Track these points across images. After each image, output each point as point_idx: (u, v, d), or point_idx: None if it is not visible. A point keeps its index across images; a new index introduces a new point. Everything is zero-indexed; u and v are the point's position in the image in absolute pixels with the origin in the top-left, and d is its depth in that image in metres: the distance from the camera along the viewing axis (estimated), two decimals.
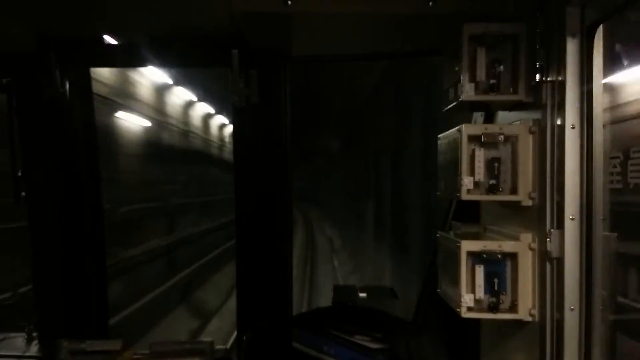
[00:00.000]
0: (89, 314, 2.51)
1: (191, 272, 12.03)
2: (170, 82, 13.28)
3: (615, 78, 1.64)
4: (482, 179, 1.72)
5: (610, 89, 1.60)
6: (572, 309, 1.57)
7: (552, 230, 1.61)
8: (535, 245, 1.70)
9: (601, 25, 1.55)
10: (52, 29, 2.25)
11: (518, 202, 1.73)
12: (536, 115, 1.70)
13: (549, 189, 1.62)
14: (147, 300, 9.08)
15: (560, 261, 1.60)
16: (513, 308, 1.74)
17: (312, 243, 20.64)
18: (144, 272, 9.82)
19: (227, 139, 19.57)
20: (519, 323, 1.76)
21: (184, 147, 15.17)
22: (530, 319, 1.72)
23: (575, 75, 1.56)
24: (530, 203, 1.71)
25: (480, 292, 1.73)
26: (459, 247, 1.73)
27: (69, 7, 2.03)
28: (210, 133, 18.75)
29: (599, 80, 1.57)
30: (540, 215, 1.67)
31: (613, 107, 1.59)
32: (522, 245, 1.72)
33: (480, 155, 1.71)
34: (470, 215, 2.18)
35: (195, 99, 15.36)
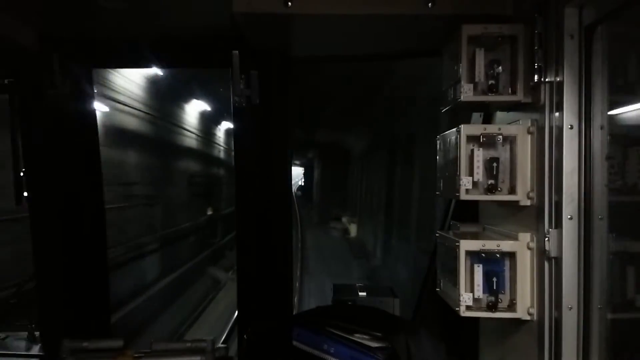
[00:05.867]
0: (90, 312, 2.52)
1: None
2: None
3: None
4: (480, 179, 1.73)
5: None
6: (570, 308, 1.58)
7: (550, 229, 1.62)
8: (533, 245, 1.71)
9: (599, 26, 1.56)
10: (54, 30, 2.26)
11: (516, 202, 1.75)
12: (534, 115, 1.71)
13: (547, 189, 1.63)
14: None
15: (558, 260, 1.61)
16: (511, 307, 1.75)
17: None
18: None
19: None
20: (518, 322, 1.77)
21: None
22: (528, 317, 1.73)
23: (573, 76, 1.57)
24: (528, 203, 1.73)
25: (479, 291, 1.74)
26: (458, 247, 1.75)
27: (71, 7, 2.04)
28: None
29: (597, 80, 1.58)
30: (538, 215, 1.68)
31: None
32: (520, 245, 1.73)
33: (479, 155, 1.73)
34: (469, 215, 2.19)
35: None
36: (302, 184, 48.88)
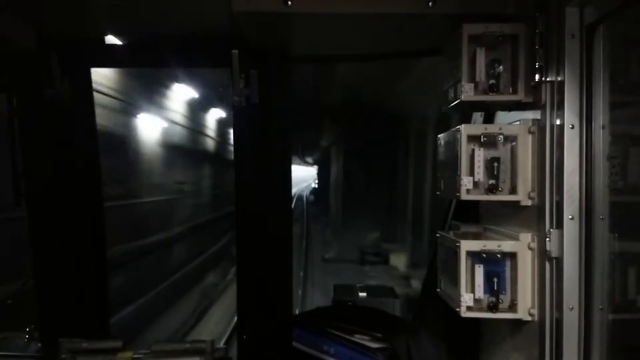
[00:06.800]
0: (90, 312, 2.51)
1: None
2: None
3: None
4: (481, 179, 1.72)
5: None
6: (571, 309, 1.57)
7: (551, 230, 1.61)
8: (534, 245, 1.70)
9: (600, 25, 1.55)
10: (53, 29, 2.25)
11: (517, 202, 1.74)
12: (535, 115, 1.71)
13: (548, 189, 1.63)
14: None
15: (559, 261, 1.60)
16: (512, 307, 1.74)
17: None
18: None
19: None
20: (519, 322, 1.76)
21: None
22: (529, 318, 1.72)
23: (574, 75, 1.56)
24: (529, 203, 1.72)
25: (479, 292, 1.74)
26: (458, 247, 1.74)
27: (70, 6, 2.03)
28: None
29: (598, 80, 1.57)
30: (539, 215, 1.67)
31: None
32: (521, 245, 1.73)
33: (480, 155, 1.72)
34: (470, 215, 2.19)
35: None
36: (316, 185, 35.02)
